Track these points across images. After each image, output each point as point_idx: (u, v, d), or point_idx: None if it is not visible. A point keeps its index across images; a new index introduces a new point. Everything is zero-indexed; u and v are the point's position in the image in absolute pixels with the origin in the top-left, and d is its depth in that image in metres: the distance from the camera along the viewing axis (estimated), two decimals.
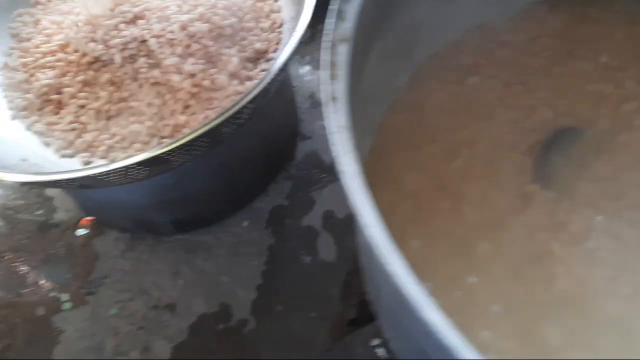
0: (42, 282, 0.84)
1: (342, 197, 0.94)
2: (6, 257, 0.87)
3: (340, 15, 0.32)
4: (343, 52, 0.31)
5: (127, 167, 0.54)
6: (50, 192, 0.93)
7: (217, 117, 0.56)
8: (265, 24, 0.77)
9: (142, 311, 0.81)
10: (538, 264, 0.42)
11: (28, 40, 0.80)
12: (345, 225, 0.87)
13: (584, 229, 0.42)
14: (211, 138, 0.58)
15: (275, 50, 0.77)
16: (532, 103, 0.48)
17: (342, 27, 0.32)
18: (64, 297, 0.83)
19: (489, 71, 0.50)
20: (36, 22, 0.82)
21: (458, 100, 0.49)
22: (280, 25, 0.78)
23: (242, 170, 0.82)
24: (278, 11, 0.79)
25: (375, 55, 0.41)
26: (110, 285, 0.84)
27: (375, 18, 0.36)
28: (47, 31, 0.78)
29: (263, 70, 0.75)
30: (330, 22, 0.31)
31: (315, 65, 1.06)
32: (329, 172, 0.92)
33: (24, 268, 0.86)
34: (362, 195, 0.27)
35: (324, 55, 0.29)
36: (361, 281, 0.53)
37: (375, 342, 0.45)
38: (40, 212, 0.91)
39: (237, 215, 0.89)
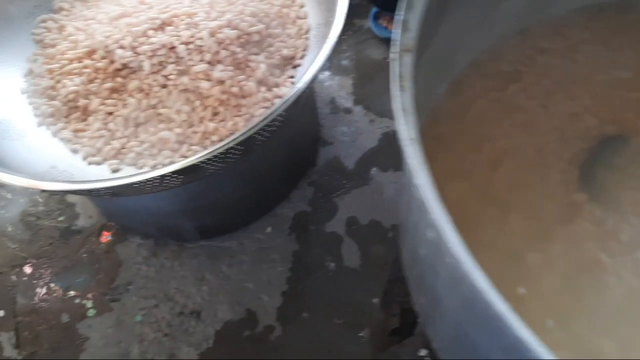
0: (65, 288, 0.84)
1: (365, 203, 0.93)
2: (29, 264, 0.87)
3: (405, 26, 0.31)
4: (408, 62, 0.30)
5: (163, 176, 0.54)
6: (71, 198, 0.93)
7: (254, 124, 0.56)
8: (292, 30, 0.77)
9: (168, 318, 0.81)
10: (588, 274, 0.42)
11: (53, 46, 0.80)
12: (369, 232, 0.87)
13: (633, 238, 0.42)
14: (246, 146, 0.58)
15: (302, 57, 0.77)
16: (575, 111, 0.48)
17: (407, 37, 0.31)
18: (88, 303, 0.83)
19: (530, 78, 0.49)
20: (60, 29, 0.81)
21: (500, 108, 0.49)
22: (307, 32, 0.78)
23: (267, 176, 0.82)
24: (304, 17, 0.79)
25: (422, 64, 0.41)
26: (134, 292, 0.83)
27: (429, 27, 0.36)
28: (72, 37, 0.77)
29: (290, 77, 0.75)
30: (396, 32, 0.31)
31: (335, 70, 1.06)
32: (350, 178, 0.92)
33: (47, 275, 0.86)
34: (443, 211, 0.27)
35: (394, 67, 0.29)
36: (399, 290, 0.53)
37: (423, 352, 0.44)
38: (62, 218, 0.91)
39: (261, 221, 0.88)
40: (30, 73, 0.79)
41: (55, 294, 0.84)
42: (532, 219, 0.44)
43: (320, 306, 0.81)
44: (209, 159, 0.54)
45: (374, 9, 1.07)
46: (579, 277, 0.42)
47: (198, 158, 0.54)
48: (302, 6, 0.80)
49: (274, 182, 0.86)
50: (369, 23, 1.08)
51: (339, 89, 1.03)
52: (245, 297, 0.82)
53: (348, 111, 1.00)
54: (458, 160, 0.46)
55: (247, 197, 0.83)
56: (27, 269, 0.86)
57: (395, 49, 0.30)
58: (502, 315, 0.23)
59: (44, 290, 0.84)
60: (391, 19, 1.05)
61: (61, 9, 0.84)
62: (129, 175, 0.54)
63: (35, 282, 0.85)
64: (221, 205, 0.80)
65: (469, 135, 0.47)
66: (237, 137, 0.55)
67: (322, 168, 0.94)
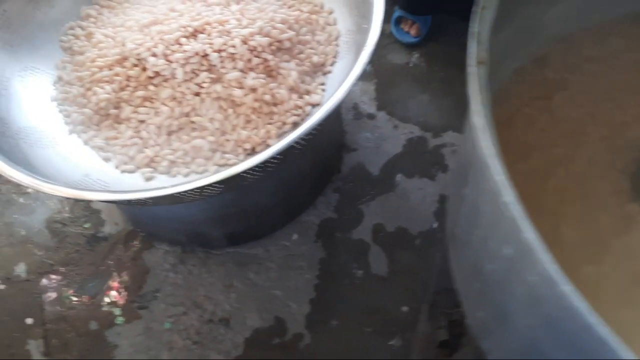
0: (93, 296, 0.84)
1: (391, 210, 0.93)
2: (56, 271, 0.86)
3: (479, 38, 0.31)
4: (483, 74, 0.30)
5: (205, 185, 0.53)
6: (97, 205, 0.93)
7: (294, 134, 0.56)
8: (321, 36, 0.77)
9: (196, 325, 0.81)
10: None
11: (81, 53, 0.79)
12: (396, 239, 0.86)
13: None
14: (285, 154, 0.57)
15: (332, 64, 0.76)
16: (624, 119, 0.47)
17: (481, 49, 0.31)
18: (117, 311, 0.82)
19: (577, 86, 0.49)
20: (89, 36, 0.81)
21: (547, 117, 0.49)
22: (337, 38, 0.77)
23: (295, 183, 0.82)
24: (334, 24, 0.78)
25: None
26: (163, 299, 0.83)
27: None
28: (101, 45, 0.77)
29: (321, 84, 0.75)
30: (472, 45, 0.30)
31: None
32: (375, 185, 0.92)
33: (74, 282, 0.85)
34: (534, 230, 0.27)
35: (473, 82, 0.29)
36: (445, 301, 0.52)
37: None
38: (88, 225, 0.91)
39: (287, 227, 0.88)
40: (59, 80, 0.79)
41: (83, 302, 0.84)
42: (584, 231, 0.43)
43: (349, 314, 0.81)
44: (252, 168, 0.54)
45: (396, 14, 1.06)
46: (635, 288, 0.42)
47: (243, 167, 0.53)
48: (330, 12, 0.80)
49: (301, 188, 0.85)
50: (390, 28, 1.08)
51: (362, 94, 1.02)
52: (273, 305, 0.82)
53: (371, 117, 1.00)
54: (508, 169, 0.45)
55: (275, 204, 0.82)
56: (55, 276, 0.86)
57: (472, 62, 0.30)
58: (603, 338, 0.23)
59: (71, 298, 0.84)
60: (413, 24, 1.05)
61: (88, 15, 0.84)
62: (173, 185, 0.54)
63: (63, 289, 0.85)
64: (250, 212, 0.80)
65: (517, 144, 0.47)
66: (278, 146, 0.55)
67: (346, 174, 0.93)
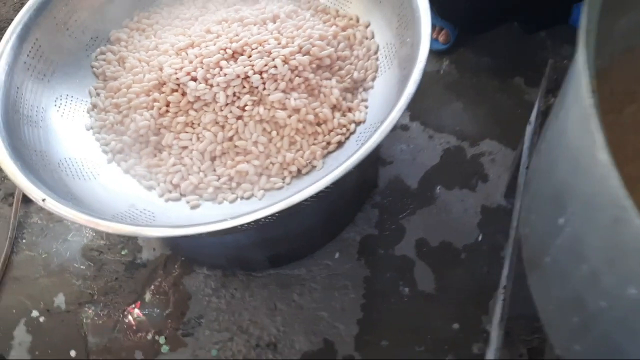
0: (136, 325, 0.83)
1: (433, 224, 0.90)
2: (96, 301, 0.85)
3: (589, 65, 0.30)
4: (597, 103, 0.28)
5: (267, 216, 0.52)
6: None
7: (355, 158, 0.55)
8: (360, 51, 0.75)
9: (244, 351, 0.79)
10: None
11: (115, 79, 0.78)
12: (440, 254, 0.84)
13: None
14: (343, 179, 0.56)
15: (373, 79, 0.75)
16: None
17: (592, 76, 0.29)
18: (161, 339, 0.81)
19: None
20: (121, 60, 0.80)
21: (618, 131, 0.47)
22: (376, 52, 0.76)
23: (338, 202, 0.80)
24: (371, 37, 0.77)
25: None
26: (207, 325, 0.81)
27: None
28: (136, 69, 0.76)
29: (363, 101, 0.73)
30: (586, 75, 0.29)
31: None
32: (414, 198, 0.90)
33: (116, 311, 0.84)
34: None
35: (593, 123, 0.27)
36: (521, 328, 0.51)
37: None
38: (125, 252, 0.89)
39: (328, 246, 0.86)
40: (94, 108, 0.77)
41: (126, 331, 0.82)
42: None
43: (399, 333, 0.79)
44: (313, 194, 0.52)
45: None
46: None
47: (307, 194, 0.52)
48: (367, 25, 0.78)
49: (342, 206, 0.84)
50: None
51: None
52: (320, 327, 0.80)
53: (405, 128, 0.98)
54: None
55: (318, 224, 0.81)
56: (95, 306, 0.84)
57: (589, 93, 0.28)
58: None
59: (114, 328, 0.82)
60: (441, 30, 1.03)
61: (119, 39, 0.82)
62: (237, 216, 0.52)
63: (104, 319, 0.83)
64: (294, 234, 0.78)
65: None
66: (339, 170, 0.53)
67: (384, 189, 0.92)
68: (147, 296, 0.85)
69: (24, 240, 0.92)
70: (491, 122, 0.96)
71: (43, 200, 0.57)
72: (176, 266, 0.87)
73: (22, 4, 1.14)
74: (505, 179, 0.89)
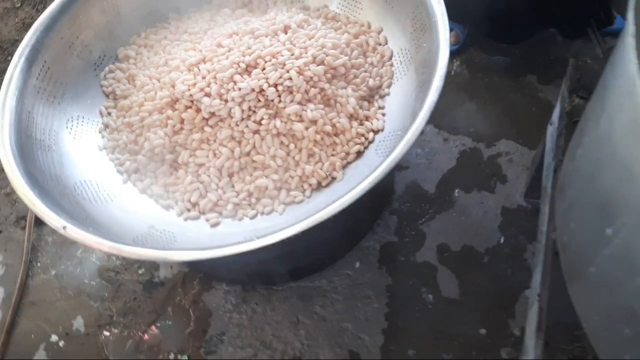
0: (158, 344, 0.81)
1: (453, 228, 0.89)
2: (116, 322, 0.84)
3: None
4: None
5: (295, 234, 0.50)
6: None
7: (380, 171, 0.53)
8: (374, 58, 0.74)
9: None
10: None
11: (125, 97, 0.77)
12: (463, 259, 0.83)
13: None
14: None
15: (389, 85, 0.73)
16: None
17: None
18: (184, 358, 0.80)
19: None
20: (131, 78, 0.79)
21: None
22: (390, 58, 0.74)
23: (357, 212, 0.78)
24: (385, 43, 0.75)
25: None
26: (230, 342, 0.80)
27: None
28: (147, 87, 0.75)
29: (380, 108, 0.72)
30: None
31: None
32: (433, 203, 0.89)
33: (136, 332, 0.83)
34: None
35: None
36: (560, 337, 0.49)
37: None
38: (142, 271, 0.88)
39: (348, 256, 0.85)
40: (106, 128, 0.76)
41: (148, 352, 0.81)
42: None
43: (425, 341, 0.78)
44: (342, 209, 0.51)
45: None
46: None
47: (335, 209, 0.51)
48: (379, 31, 0.77)
49: (361, 215, 0.82)
50: None
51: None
52: (345, 338, 0.79)
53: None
54: None
55: (338, 235, 0.79)
56: (115, 328, 0.83)
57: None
58: None
59: (136, 349, 0.81)
60: (451, 31, 1.02)
61: (127, 57, 0.81)
62: (264, 235, 0.51)
63: (125, 340, 0.82)
64: (315, 246, 0.77)
65: None
66: (364, 186, 0.52)
67: (401, 195, 0.90)
68: (167, 315, 0.84)
69: (38, 264, 0.91)
70: (506, 121, 0.94)
71: (64, 228, 0.56)
72: (195, 283, 0.86)
73: (24, 24, 1.13)
74: (523, 179, 0.88)
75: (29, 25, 1.07)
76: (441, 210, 0.88)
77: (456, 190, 0.89)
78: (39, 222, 0.93)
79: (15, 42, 1.04)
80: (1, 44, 1.12)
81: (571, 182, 0.45)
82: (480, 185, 0.89)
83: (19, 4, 1.09)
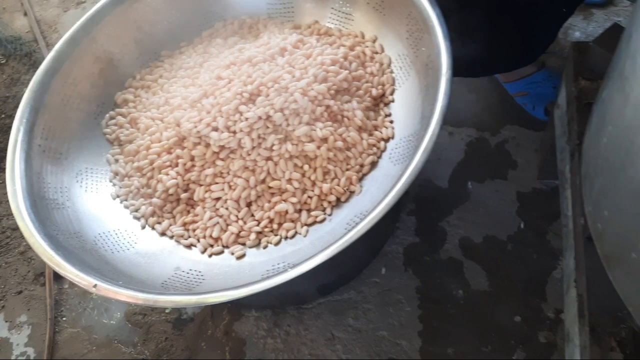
0: None
1: (472, 220, 0.89)
2: None
3: None
4: None
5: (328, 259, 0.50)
6: None
7: (403, 183, 0.54)
8: (373, 67, 0.74)
9: None
10: None
11: (130, 142, 0.76)
12: (487, 249, 0.83)
13: None
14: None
15: (392, 92, 0.73)
16: None
17: None
18: None
19: None
20: (133, 122, 0.78)
21: None
22: (389, 65, 0.74)
23: (380, 222, 0.78)
24: (381, 51, 0.75)
25: None
26: None
27: None
28: (151, 129, 0.74)
29: (387, 116, 0.72)
30: None
31: None
32: (448, 198, 0.89)
33: None
34: None
35: None
36: (605, 322, 0.50)
37: None
38: (169, 310, 0.87)
39: (373, 264, 0.85)
40: (116, 175, 0.75)
41: None
42: None
43: (463, 338, 0.78)
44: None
45: None
46: None
47: (366, 226, 0.51)
48: (374, 40, 0.77)
49: (382, 221, 0.82)
50: None
51: None
52: (382, 347, 0.79)
53: None
54: None
55: (361, 245, 0.79)
56: None
57: None
58: None
59: None
60: None
61: (125, 101, 0.81)
62: (299, 264, 0.52)
63: None
64: (339, 260, 0.76)
65: None
66: (394, 197, 0.53)
67: (416, 194, 0.90)
68: (201, 350, 0.83)
69: (64, 318, 0.90)
70: (507, 107, 0.95)
71: (94, 286, 0.55)
72: (224, 314, 0.85)
73: (12, 80, 1.12)
74: (534, 162, 0.88)
75: (17, 80, 1.06)
76: (457, 204, 0.88)
77: (469, 182, 0.89)
78: (57, 276, 0.92)
79: (7, 99, 1.04)
80: None
81: (598, 171, 0.45)
82: (492, 174, 0.89)
83: (4, 60, 1.08)
